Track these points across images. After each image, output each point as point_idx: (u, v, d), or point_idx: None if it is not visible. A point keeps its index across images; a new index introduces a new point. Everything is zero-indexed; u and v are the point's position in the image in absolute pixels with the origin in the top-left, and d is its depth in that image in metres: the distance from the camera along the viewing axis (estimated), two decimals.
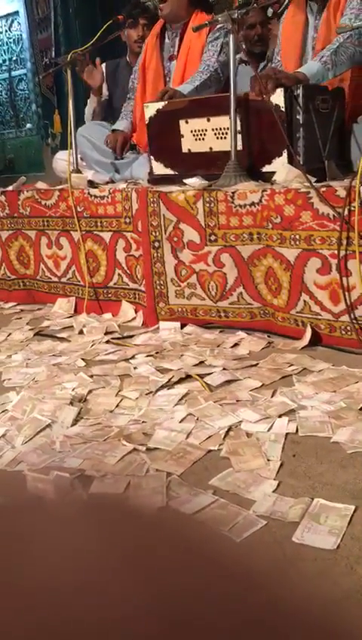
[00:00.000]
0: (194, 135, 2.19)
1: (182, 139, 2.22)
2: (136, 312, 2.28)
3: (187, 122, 2.18)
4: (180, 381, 1.63)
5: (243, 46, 2.89)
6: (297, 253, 1.82)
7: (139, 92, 2.72)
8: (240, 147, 2.03)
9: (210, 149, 2.16)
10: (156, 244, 2.11)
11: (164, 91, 2.36)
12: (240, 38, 2.61)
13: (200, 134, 2.17)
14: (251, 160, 2.06)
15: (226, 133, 2.09)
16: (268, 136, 2.00)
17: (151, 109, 2.28)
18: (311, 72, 2.00)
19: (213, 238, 2.00)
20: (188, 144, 2.22)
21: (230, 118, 1.98)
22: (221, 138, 2.12)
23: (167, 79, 2.66)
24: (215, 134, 2.13)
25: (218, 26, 2.43)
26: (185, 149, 2.23)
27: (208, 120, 2.13)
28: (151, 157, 2.35)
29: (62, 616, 0.16)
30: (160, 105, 2.25)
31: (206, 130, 2.15)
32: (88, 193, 2.33)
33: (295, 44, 2.24)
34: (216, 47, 2.47)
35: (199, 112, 2.15)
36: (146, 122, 2.32)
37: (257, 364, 1.71)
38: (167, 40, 2.66)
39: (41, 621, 0.16)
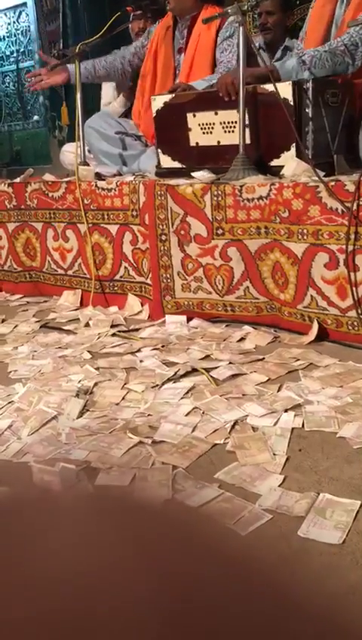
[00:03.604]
0: (201, 128, 2.18)
1: (189, 132, 2.21)
2: (142, 305, 2.28)
3: (194, 116, 2.17)
4: (186, 375, 1.63)
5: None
6: (305, 247, 1.81)
7: (148, 84, 2.71)
8: (248, 141, 2.02)
9: (218, 142, 2.15)
10: (163, 237, 2.11)
11: (176, 86, 2.35)
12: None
13: (208, 128, 2.16)
14: (259, 154, 2.05)
15: (234, 127, 2.08)
16: (276, 130, 1.99)
17: (158, 102, 2.27)
18: (285, 68, 1.98)
19: (220, 231, 1.99)
20: (195, 137, 2.21)
21: (238, 111, 1.97)
22: (229, 132, 2.11)
23: (177, 72, 2.65)
24: (223, 128, 2.12)
25: (229, 20, 2.41)
26: (192, 143, 2.22)
27: (216, 113, 2.12)
28: (159, 150, 2.35)
29: (67, 606, 0.16)
30: (167, 98, 2.25)
31: (214, 124, 2.14)
32: (95, 185, 2.33)
33: (318, 34, 2.21)
34: (233, 47, 2.45)
35: (207, 105, 2.14)
36: (153, 115, 2.32)
37: (263, 358, 1.71)
38: (176, 33, 2.65)
39: (45, 611, 0.16)
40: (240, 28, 1.96)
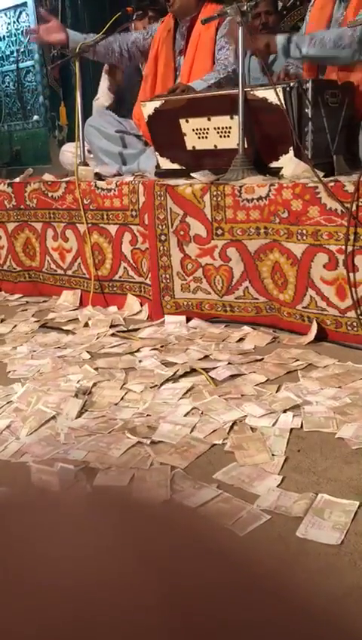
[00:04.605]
0: (196, 133, 2.17)
1: (185, 137, 2.20)
2: (141, 305, 2.28)
3: (188, 121, 2.16)
4: (185, 375, 1.63)
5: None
6: (304, 248, 1.81)
7: (149, 85, 2.71)
8: (246, 145, 2.01)
9: (215, 146, 2.15)
10: (162, 237, 2.11)
11: (175, 87, 2.35)
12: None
13: (203, 133, 2.15)
14: (258, 156, 2.05)
15: (229, 132, 2.07)
16: (274, 133, 1.98)
17: (148, 108, 2.26)
18: (280, 42, 2.01)
19: (219, 232, 1.99)
20: (191, 142, 2.20)
21: (238, 113, 1.97)
22: (224, 136, 2.10)
23: (177, 73, 2.65)
24: (217, 133, 2.11)
25: (228, 19, 2.41)
26: (189, 147, 2.22)
27: (209, 119, 2.11)
28: (157, 153, 2.34)
29: (67, 608, 0.16)
30: (157, 104, 2.23)
31: (208, 129, 2.13)
32: (95, 186, 2.33)
33: None
34: (231, 43, 2.45)
35: (198, 111, 2.12)
36: (145, 120, 2.31)
37: (262, 359, 1.71)
38: (177, 35, 2.65)
39: (45, 614, 0.16)
40: (240, 28, 1.96)
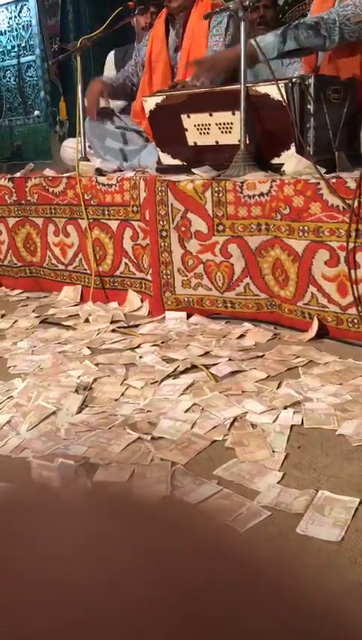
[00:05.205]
0: (198, 129, 2.16)
1: (186, 132, 2.19)
2: (142, 301, 2.28)
3: (189, 117, 2.16)
4: (186, 371, 1.63)
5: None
6: (305, 244, 1.81)
7: (145, 84, 2.70)
8: (247, 141, 2.00)
9: (216, 142, 2.14)
10: (163, 233, 2.11)
11: (174, 84, 2.34)
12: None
13: (205, 128, 2.14)
14: (260, 153, 2.04)
15: (231, 128, 2.07)
16: (276, 129, 1.98)
17: (150, 103, 2.25)
18: (264, 41, 1.94)
19: (220, 228, 1.99)
20: (193, 138, 2.19)
21: (240, 109, 1.96)
22: (226, 132, 2.09)
23: (175, 71, 2.65)
24: (219, 129, 2.11)
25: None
26: (190, 142, 2.21)
27: (210, 115, 2.10)
28: (158, 148, 2.34)
29: (67, 606, 0.16)
30: (159, 99, 2.22)
31: (209, 125, 2.12)
32: (96, 181, 2.32)
33: None
34: (220, 31, 2.44)
35: (199, 106, 2.11)
36: (147, 115, 2.30)
37: (263, 355, 1.71)
38: (172, 32, 2.64)
39: (47, 610, 0.16)
40: (242, 24, 1.95)
